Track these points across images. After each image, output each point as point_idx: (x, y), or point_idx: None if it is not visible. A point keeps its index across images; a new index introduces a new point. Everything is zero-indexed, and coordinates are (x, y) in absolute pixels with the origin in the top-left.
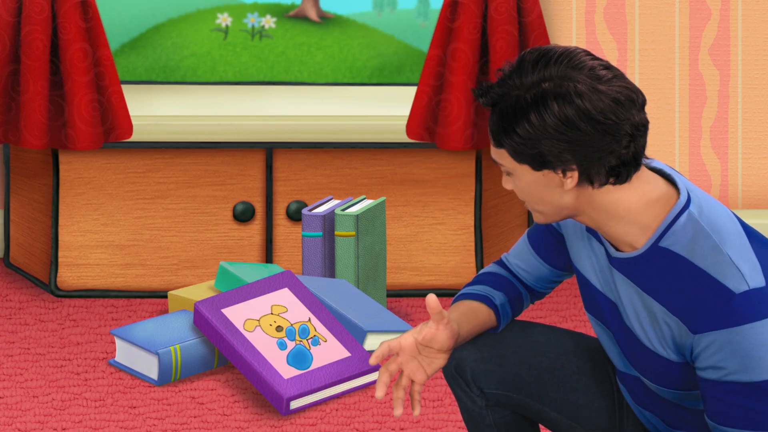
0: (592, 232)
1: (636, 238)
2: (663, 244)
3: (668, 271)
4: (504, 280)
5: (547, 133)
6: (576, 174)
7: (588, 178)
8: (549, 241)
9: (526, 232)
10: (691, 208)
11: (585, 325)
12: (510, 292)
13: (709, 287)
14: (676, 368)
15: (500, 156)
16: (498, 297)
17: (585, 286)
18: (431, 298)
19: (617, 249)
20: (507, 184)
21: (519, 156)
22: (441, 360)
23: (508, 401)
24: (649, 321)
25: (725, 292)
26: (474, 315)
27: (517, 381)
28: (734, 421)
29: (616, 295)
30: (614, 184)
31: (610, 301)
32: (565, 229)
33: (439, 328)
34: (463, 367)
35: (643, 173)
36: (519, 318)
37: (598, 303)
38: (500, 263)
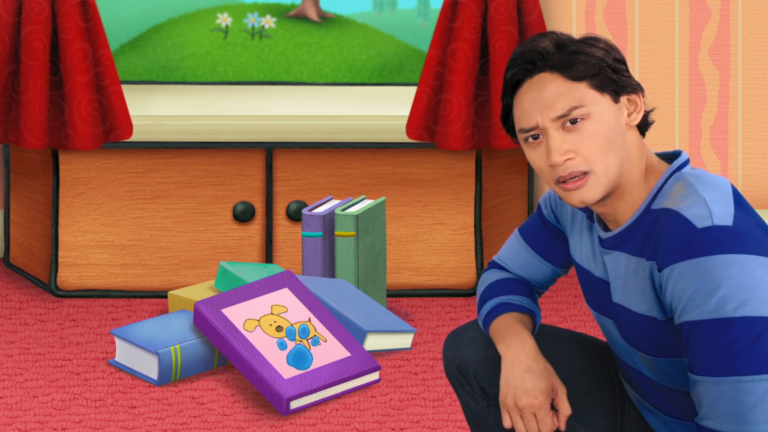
0: (590, 218)
1: (634, 208)
2: (654, 206)
3: (651, 226)
4: (526, 289)
5: (615, 51)
6: (641, 101)
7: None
8: (546, 238)
9: (516, 232)
10: (685, 169)
11: (585, 324)
12: (535, 303)
13: (676, 223)
14: (663, 328)
15: (576, 98)
16: (538, 312)
17: (586, 277)
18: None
19: (607, 230)
20: (565, 143)
21: (601, 84)
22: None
23: None
24: (636, 283)
25: (689, 226)
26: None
27: None
28: (705, 366)
29: (608, 276)
30: (642, 131)
31: (605, 283)
32: (566, 223)
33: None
34: (465, 367)
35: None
36: None
37: (598, 290)
38: (500, 267)
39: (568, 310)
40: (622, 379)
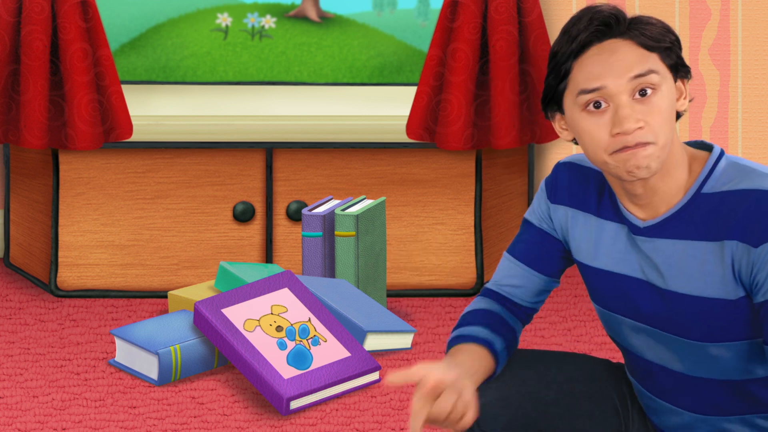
0: (607, 213)
1: (678, 194)
2: (705, 190)
3: (716, 209)
4: (499, 320)
5: (670, 28)
6: (687, 91)
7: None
8: (538, 251)
9: (505, 254)
10: (728, 155)
11: (585, 324)
12: (507, 335)
13: (765, 199)
14: (731, 309)
15: (653, 63)
16: (498, 342)
17: (600, 277)
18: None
19: (643, 219)
20: (636, 112)
21: (668, 57)
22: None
23: None
24: (701, 267)
25: None
26: (480, 362)
27: (522, 419)
28: None
29: (650, 266)
30: (680, 114)
31: (638, 280)
32: (564, 226)
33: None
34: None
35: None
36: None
37: (621, 287)
38: (488, 294)
39: (568, 310)
40: (634, 385)
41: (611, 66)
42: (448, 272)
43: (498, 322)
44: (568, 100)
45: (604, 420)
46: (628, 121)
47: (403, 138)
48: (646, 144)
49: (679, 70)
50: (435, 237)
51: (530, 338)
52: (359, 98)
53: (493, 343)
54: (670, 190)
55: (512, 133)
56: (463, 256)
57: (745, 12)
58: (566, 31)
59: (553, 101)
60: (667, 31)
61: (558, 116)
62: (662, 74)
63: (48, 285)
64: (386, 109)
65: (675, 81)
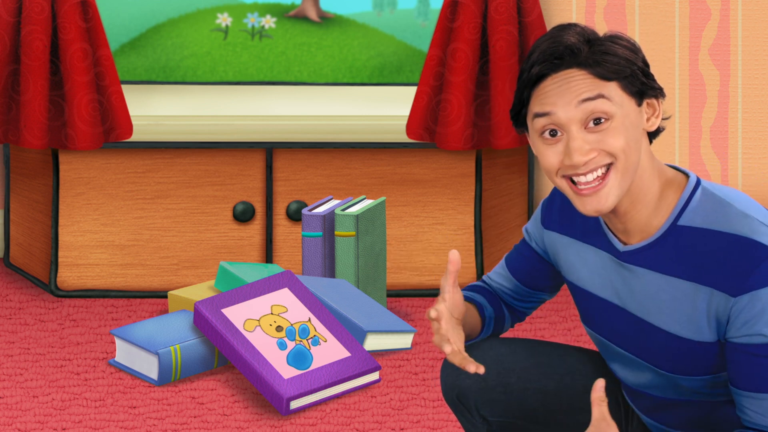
0: (590, 236)
1: (653, 221)
2: (681, 222)
3: (692, 246)
4: (493, 298)
5: (639, 50)
6: (659, 106)
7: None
8: (525, 267)
9: (503, 262)
10: (704, 184)
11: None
12: (497, 310)
13: (746, 248)
14: (703, 349)
15: (604, 92)
16: (488, 310)
17: (586, 298)
18: (455, 254)
19: (625, 243)
20: (587, 143)
21: (630, 85)
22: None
23: (513, 428)
24: (673, 304)
25: (764, 249)
26: (471, 315)
27: (522, 407)
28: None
29: (626, 291)
30: (651, 138)
31: (615, 306)
32: (557, 247)
33: (453, 291)
34: (466, 396)
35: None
36: (521, 336)
37: (602, 310)
38: (484, 283)
39: (568, 310)
40: (627, 397)
41: (562, 94)
42: None
43: (491, 298)
44: (528, 123)
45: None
46: (578, 154)
47: (403, 138)
48: (605, 169)
49: (647, 93)
50: (435, 237)
51: (530, 338)
52: (359, 98)
53: (484, 308)
54: (643, 218)
55: (512, 133)
56: (463, 256)
57: (745, 12)
58: (530, 53)
59: (519, 121)
60: (629, 59)
61: (527, 133)
62: (618, 101)
63: (48, 285)
64: (386, 109)
65: (639, 103)
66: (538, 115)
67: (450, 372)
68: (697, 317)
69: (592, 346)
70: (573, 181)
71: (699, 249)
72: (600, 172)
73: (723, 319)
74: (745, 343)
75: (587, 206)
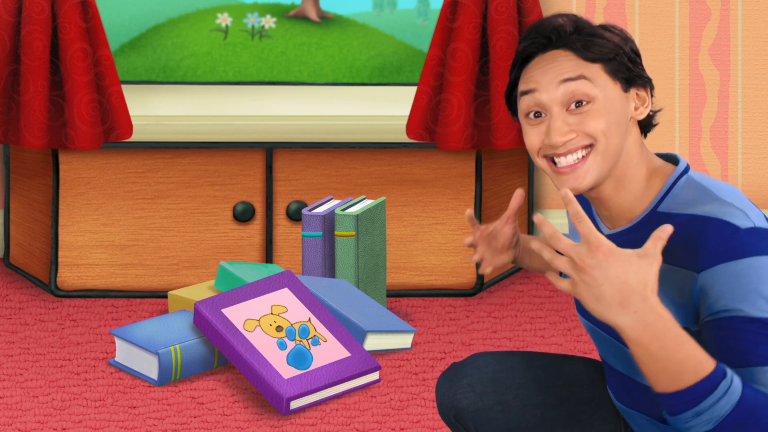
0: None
1: (637, 208)
2: (661, 209)
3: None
4: None
5: (632, 42)
6: (649, 97)
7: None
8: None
9: None
10: (692, 174)
11: None
12: None
13: (714, 227)
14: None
15: (587, 73)
16: None
17: None
18: (519, 194)
19: (611, 229)
20: (567, 124)
21: (615, 69)
22: (506, 257)
23: None
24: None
25: (730, 227)
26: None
27: (521, 424)
28: (745, 358)
29: None
30: (644, 131)
31: None
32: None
33: (505, 225)
34: (464, 417)
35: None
36: (523, 336)
37: None
38: None
39: (569, 310)
40: (609, 390)
41: (545, 73)
42: (448, 272)
43: None
44: (518, 105)
45: (603, 425)
46: (557, 134)
47: (403, 138)
48: (584, 150)
49: (634, 81)
50: (435, 237)
51: (530, 338)
52: (359, 98)
53: None
54: (626, 204)
55: (512, 133)
56: (463, 256)
57: (745, 12)
58: (521, 39)
59: (512, 105)
60: (616, 44)
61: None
62: (601, 84)
63: (48, 285)
64: (386, 109)
65: (626, 90)
66: (523, 93)
67: (445, 391)
68: (679, 301)
69: (593, 346)
70: (554, 162)
71: (675, 232)
72: (580, 154)
73: (692, 297)
74: (719, 318)
75: (564, 184)
